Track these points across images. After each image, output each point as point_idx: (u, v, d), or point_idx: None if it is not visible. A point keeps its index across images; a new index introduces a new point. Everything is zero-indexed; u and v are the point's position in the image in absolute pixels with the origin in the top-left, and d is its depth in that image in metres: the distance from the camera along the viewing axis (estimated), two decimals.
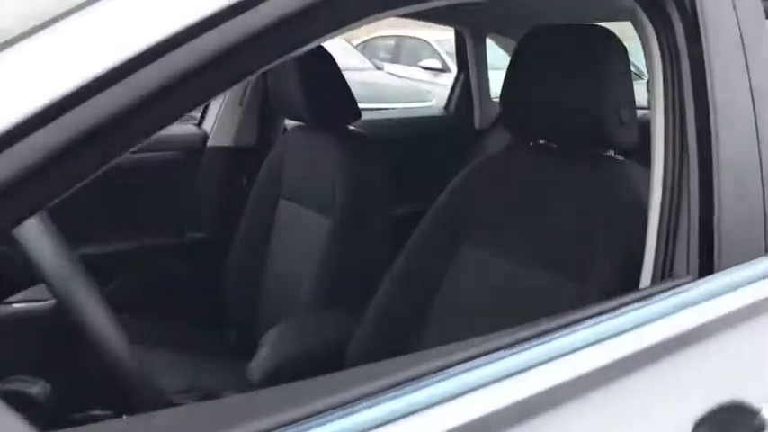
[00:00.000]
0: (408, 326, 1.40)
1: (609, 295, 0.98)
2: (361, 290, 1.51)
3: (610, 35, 1.22)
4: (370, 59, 8.01)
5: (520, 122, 1.38)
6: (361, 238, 1.77)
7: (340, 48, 7.57)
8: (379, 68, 7.81)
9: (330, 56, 1.80)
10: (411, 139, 2.68)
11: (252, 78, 2.17)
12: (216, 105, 2.22)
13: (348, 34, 8.28)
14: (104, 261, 2.03)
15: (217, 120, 2.21)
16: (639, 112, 1.24)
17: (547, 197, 1.30)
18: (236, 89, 2.20)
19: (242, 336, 2.02)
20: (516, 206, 1.35)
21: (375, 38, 9.49)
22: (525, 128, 1.38)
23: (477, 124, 2.88)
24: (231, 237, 2.00)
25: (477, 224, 1.39)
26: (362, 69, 7.19)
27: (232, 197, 2.19)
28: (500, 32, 2.78)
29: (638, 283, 1.01)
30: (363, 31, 9.29)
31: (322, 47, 1.82)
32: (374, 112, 6.04)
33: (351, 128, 1.90)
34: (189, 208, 2.21)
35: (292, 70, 1.78)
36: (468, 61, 2.83)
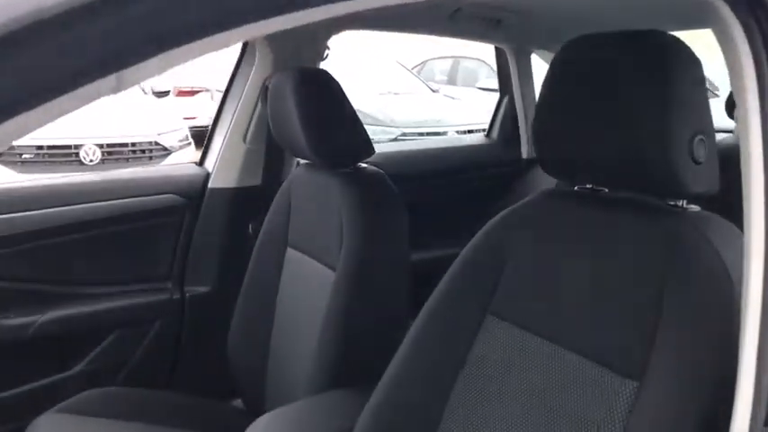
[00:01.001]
0: (426, 413, 1.10)
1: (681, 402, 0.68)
2: (370, 361, 1.23)
3: (677, 42, 0.89)
4: (425, 82, 7.75)
5: (556, 161, 1.05)
6: (371, 294, 1.48)
7: (394, 70, 7.35)
8: (434, 91, 7.52)
9: (332, 84, 1.52)
10: (447, 171, 2.36)
11: (255, 113, 1.91)
12: (218, 142, 1.96)
13: (403, 57, 8.12)
14: (93, 320, 1.80)
15: (218, 158, 1.95)
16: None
17: (594, 261, 0.98)
18: (240, 124, 1.94)
19: (250, 407, 1.75)
20: (554, 271, 1.03)
21: (431, 59, 9.25)
22: (564, 168, 1.05)
23: (524, 153, 2.53)
24: (236, 291, 1.74)
25: (506, 291, 1.08)
26: (416, 92, 6.93)
27: (237, 245, 1.92)
28: (547, 49, 2.43)
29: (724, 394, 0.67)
30: (419, 54, 9.07)
31: (325, 73, 1.54)
32: (425, 137, 5.85)
33: (363, 165, 1.59)
34: (189, 258, 1.95)
35: (290, 103, 1.50)
36: (512, 82, 2.49)
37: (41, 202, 1.75)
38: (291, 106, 1.50)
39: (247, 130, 1.94)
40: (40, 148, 4.83)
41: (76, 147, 4.91)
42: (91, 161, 4.91)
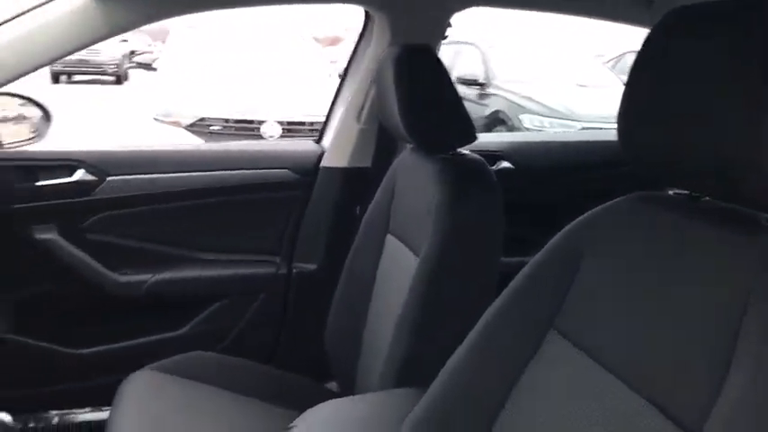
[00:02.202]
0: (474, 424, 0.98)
1: None
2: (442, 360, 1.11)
3: None
4: (618, 75, 7.24)
5: (644, 159, 0.86)
6: (449, 290, 1.35)
7: (587, 63, 6.95)
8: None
9: (435, 63, 1.41)
10: (573, 167, 2.13)
11: (370, 92, 1.84)
12: (335, 120, 1.92)
13: (597, 49, 7.62)
14: (200, 286, 1.85)
15: (333, 137, 1.91)
16: None
17: (672, 283, 0.80)
18: (355, 103, 1.88)
19: (343, 390, 1.70)
20: (627, 290, 0.85)
21: (629, 52, 8.63)
22: (654, 168, 0.86)
23: None
24: (341, 272, 1.70)
25: (572, 304, 0.92)
26: (607, 86, 6.49)
27: (344, 226, 1.88)
28: None
29: None
30: (617, 46, 8.50)
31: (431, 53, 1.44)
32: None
33: (463, 152, 1.47)
34: (298, 235, 1.93)
35: (390, 81, 1.42)
36: None
37: (165, 166, 1.83)
38: (390, 84, 1.42)
39: (362, 109, 1.88)
40: (227, 121, 5.18)
41: (260, 122, 5.19)
42: (271, 137, 5.16)
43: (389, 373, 1.38)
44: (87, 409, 1.80)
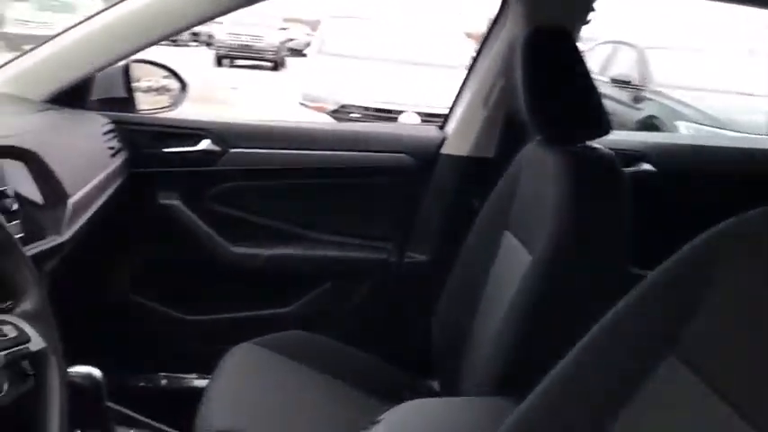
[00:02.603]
0: None
1: None
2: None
3: None
4: None
5: None
6: (565, 297, 1.24)
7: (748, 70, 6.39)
8: None
9: (568, 48, 1.30)
10: (718, 174, 1.90)
11: (499, 77, 1.73)
12: (461, 106, 1.83)
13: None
14: (311, 265, 1.83)
15: (456, 123, 1.82)
16: None
17: None
18: (483, 88, 1.78)
19: (444, 389, 1.63)
20: (759, 314, 0.71)
21: None
22: None
23: None
24: (452, 266, 1.62)
25: (695, 327, 0.78)
26: None
27: (461, 218, 1.79)
28: None
29: None
30: None
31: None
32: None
33: (593, 146, 1.33)
34: (412, 223, 1.86)
35: (518, 65, 1.32)
36: None
37: (285, 142, 1.82)
38: (518, 68, 1.32)
39: (489, 95, 1.77)
40: (366, 109, 5.23)
41: (398, 112, 5.20)
42: None
43: (487, 378, 1.29)
44: (189, 375, 1.84)
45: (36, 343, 0.80)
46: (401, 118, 5.14)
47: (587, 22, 1.68)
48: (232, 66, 14.57)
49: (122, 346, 1.76)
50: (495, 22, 1.78)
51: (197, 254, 1.80)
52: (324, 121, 4.65)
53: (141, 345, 1.80)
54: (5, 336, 0.76)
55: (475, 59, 1.86)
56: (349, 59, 5.76)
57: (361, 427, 1.19)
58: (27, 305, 0.83)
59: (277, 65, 14.74)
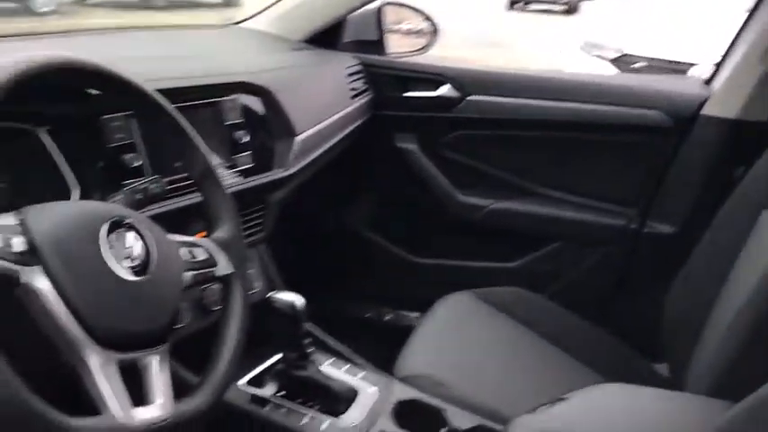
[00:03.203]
0: None
1: None
2: None
3: None
4: None
5: None
6: None
7: None
8: None
9: None
10: None
11: None
12: (732, 61, 1.57)
13: None
14: (541, 223, 1.76)
15: (724, 80, 1.57)
16: None
17: None
18: (760, 40, 1.50)
19: (674, 376, 1.49)
20: None
21: None
22: None
23: None
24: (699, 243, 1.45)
25: None
26: None
27: (716, 189, 1.56)
28: None
29: None
30: None
31: None
32: None
33: None
34: (661, 190, 1.68)
35: None
36: None
37: (526, 92, 1.74)
38: None
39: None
40: (651, 59, 4.80)
41: (690, 64, 4.69)
42: None
43: (708, 375, 1.13)
44: (402, 314, 1.89)
45: (222, 268, 0.87)
46: (691, 71, 4.62)
47: None
48: (524, 9, 14.36)
49: (342, 277, 1.87)
50: None
51: (426, 198, 1.82)
52: (597, 71, 4.37)
53: (361, 278, 1.89)
54: (195, 258, 0.84)
55: (755, 7, 1.57)
56: (634, 5, 5.32)
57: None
58: (220, 233, 0.90)
59: (570, 9, 14.19)
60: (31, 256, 0.64)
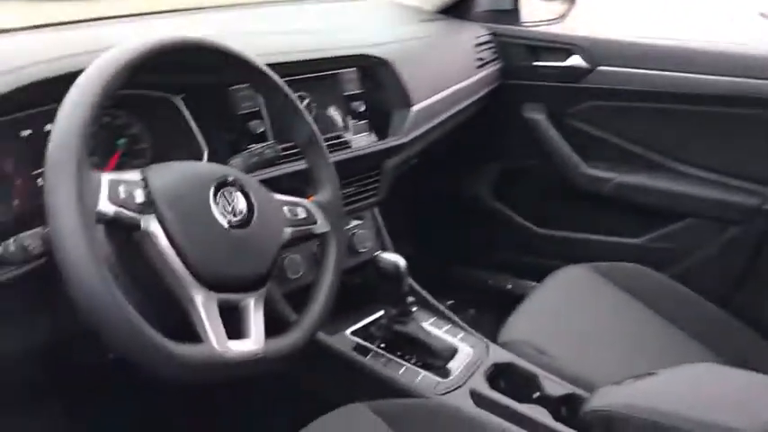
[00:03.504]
0: None
1: None
2: None
3: None
4: None
5: None
6: None
7: None
8: None
9: None
10: None
11: None
12: None
13: None
14: (668, 199, 1.71)
15: None
16: None
17: None
18: None
19: None
20: None
21: None
22: None
23: None
24: None
25: None
26: None
27: None
28: None
29: None
30: None
31: None
32: None
33: None
34: None
35: None
36: None
37: (657, 63, 1.68)
38: None
39: None
40: None
41: None
42: None
43: None
44: (516, 282, 1.92)
45: (320, 226, 0.97)
46: None
47: None
48: None
49: (466, 245, 1.92)
50: None
51: (551, 169, 1.83)
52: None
53: (483, 246, 1.93)
54: (296, 216, 0.94)
55: None
56: None
57: None
58: (321, 196, 0.99)
59: None
60: (149, 206, 0.76)
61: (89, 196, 0.71)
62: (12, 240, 0.76)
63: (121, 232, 0.77)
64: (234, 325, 0.82)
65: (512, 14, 1.88)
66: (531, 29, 1.84)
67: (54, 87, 0.80)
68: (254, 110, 1.12)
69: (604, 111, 1.75)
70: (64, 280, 0.69)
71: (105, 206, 0.73)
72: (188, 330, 0.77)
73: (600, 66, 1.71)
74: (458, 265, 1.95)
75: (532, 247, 1.91)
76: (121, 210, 0.74)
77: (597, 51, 1.71)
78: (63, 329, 0.89)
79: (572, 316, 1.36)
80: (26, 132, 0.88)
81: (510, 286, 1.94)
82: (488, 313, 1.42)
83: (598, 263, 1.49)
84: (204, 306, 0.78)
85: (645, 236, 1.76)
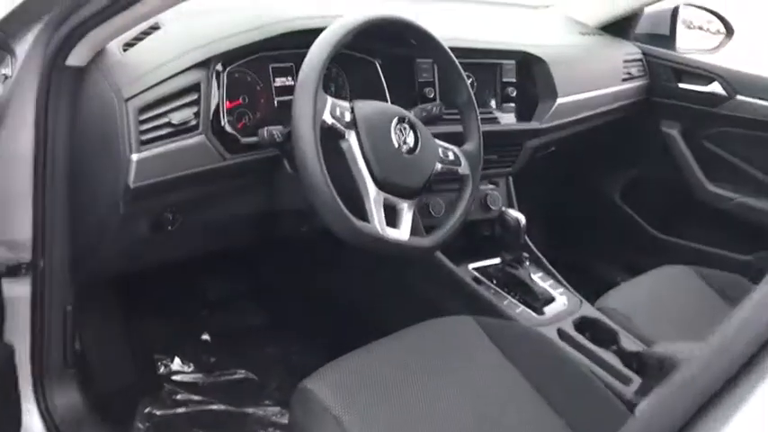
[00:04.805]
0: None
1: None
2: None
3: None
4: None
5: None
6: None
7: None
8: None
9: None
10: None
11: None
12: None
13: None
14: None
15: None
16: None
17: None
18: None
19: None
20: None
21: None
22: None
23: None
24: None
25: None
26: None
27: None
28: None
29: None
30: None
31: None
32: None
33: None
34: None
35: None
36: None
37: None
38: None
39: None
40: None
41: None
42: None
43: None
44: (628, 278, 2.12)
45: (463, 168, 1.29)
46: None
47: None
48: None
49: (590, 237, 2.14)
50: None
51: (678, 181, 2.03)
52: None
53: (605, 241, 2.16)
54: (447, 157, 1.27)
55: None
56: None
57: None
58: (468, 146, 1.31)
59: None
60: (352, 124, 1.13)
61: (319, 108, 1.09)
62: (265, 129, 1.15)
63: (332, 140, 1.14)
64: (391, 219, 1.17)
65: (668, 40, 2.09)
66: (679, 54, 2.04)
67: (295, 38, 1.18)
68: (429, 80, 1.47)
69: (736, 137, 1.93)
70: (295, 164, 1.07)
71: (327, 117, 1.10)
72: (362, 215, 1.12)
73: (739, 95, 1.90)
74: (579, 254, 2.18)
75: (648, 248, 2.12)
76: (335, 123, 1.11)
77: (737, 82, 1.90)
78: (277, 203, 1.29)
79: (663, 302, 1.55)
80: (274, 65, 1.29)
81: (619, 279, 2.16)
82: (591, 296, 1.60)
83: (702, 267, 1.68)
84: (374, 200, 1.13)
85: (753, 253, 1.93)
